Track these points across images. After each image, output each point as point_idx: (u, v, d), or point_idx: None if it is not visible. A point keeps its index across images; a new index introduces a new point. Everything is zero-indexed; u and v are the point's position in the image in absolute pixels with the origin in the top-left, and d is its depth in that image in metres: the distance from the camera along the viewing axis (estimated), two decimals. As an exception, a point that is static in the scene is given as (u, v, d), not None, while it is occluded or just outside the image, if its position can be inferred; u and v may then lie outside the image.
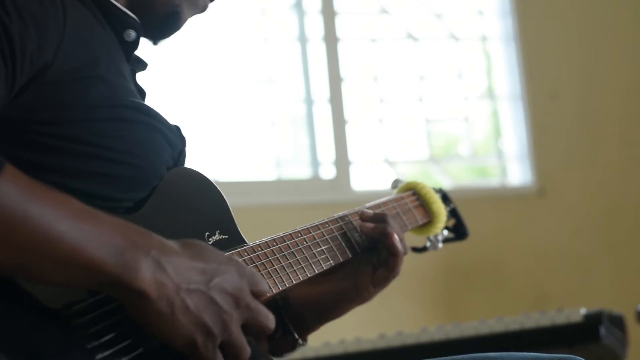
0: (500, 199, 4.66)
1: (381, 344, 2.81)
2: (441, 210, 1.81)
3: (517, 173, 4.80)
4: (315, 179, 4.45)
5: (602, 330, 2.69)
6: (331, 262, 1.54)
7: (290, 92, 4.49)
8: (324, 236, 1.55)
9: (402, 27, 4.74)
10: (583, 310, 2.73)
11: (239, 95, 4.40)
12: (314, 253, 1.51)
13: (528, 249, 4.61)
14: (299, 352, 2.89)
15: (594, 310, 2.74)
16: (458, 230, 1.89)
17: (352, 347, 2.84)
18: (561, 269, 4.64)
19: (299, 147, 4.55)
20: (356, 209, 1.65)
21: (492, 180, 4.89)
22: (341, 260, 1.56)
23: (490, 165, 4.91)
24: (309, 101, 4.49)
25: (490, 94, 4.90)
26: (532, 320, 2.75)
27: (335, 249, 1.56)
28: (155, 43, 1.52)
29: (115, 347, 1.16)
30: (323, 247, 1.54)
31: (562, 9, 4.89)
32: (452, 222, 1.88)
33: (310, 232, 1.53)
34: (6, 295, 1.12)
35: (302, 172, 4.51)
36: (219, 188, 1.43)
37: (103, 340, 1.15)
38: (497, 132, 4.91)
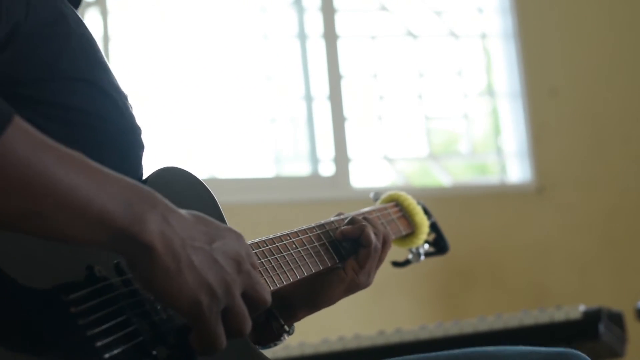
0: (500, 196, 4.66)
1: (380, 341, 2.82)
2: (424, 222, 1.83)
3: (517, 170, 4.80)
4: (315, 176, 4.45)
5: (601, 328, 2.69)
6: (319, 266, 1.56)
7: (289, 89, 4.49)
8: (313, 241, 1.57)
9: (401, 25, 4.74)
10: (582, 307, 2.74)
11: (238, 92, 4.41)
12: (303, 256, 1.53)
13: (527, 246, 4.61)
14: (297, 349, 2.90)
15: (592, 307, 2.74)
16: (438, 244, 1.91)
17: (351, 344, 2.84)
18: (560, 266, 4.64)
19: (298, 144, 4.55)
20: (342, 215, 1.67)
21: (492, 178, 4.89)
22: (329, 264, 1.58)
23: (489, 163, 4.91)
24: (308, 98, 4.49)
25: (490, 91, 4.90)
26: (531, 317, 2.75)
27: (323, 253, 1.58)
28: None
29: (115, 335, 1.16)
30: (312, 252, 1.55)
31: (561, 6, 4.89)
32: (432, 236, 1.90)
33: (299, 236, 1.55)
34: (3, 280, 1.12)
35: (301, 169, 4.52)
36: (208, 187, 1.43)
37: (103, 327, 1.15)
38: (496, 130, 4.92)
